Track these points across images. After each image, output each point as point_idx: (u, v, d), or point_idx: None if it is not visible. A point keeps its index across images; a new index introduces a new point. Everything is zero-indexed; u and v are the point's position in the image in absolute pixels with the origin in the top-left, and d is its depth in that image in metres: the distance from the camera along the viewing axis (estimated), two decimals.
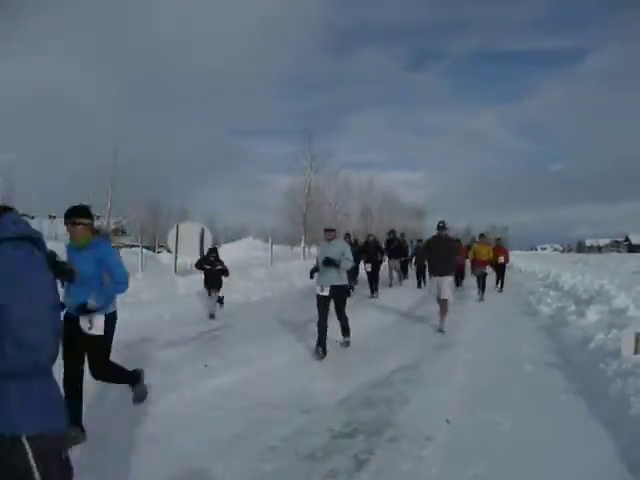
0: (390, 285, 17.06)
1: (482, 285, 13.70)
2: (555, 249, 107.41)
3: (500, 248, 15.78)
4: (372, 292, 14.19)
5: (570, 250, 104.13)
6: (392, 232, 17.93)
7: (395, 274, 17.93)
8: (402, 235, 19.17)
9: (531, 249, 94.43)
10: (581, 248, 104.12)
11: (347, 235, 16.14)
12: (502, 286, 15.70)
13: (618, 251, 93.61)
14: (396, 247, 17.31)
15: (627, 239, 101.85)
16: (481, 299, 13.28)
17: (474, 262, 14.28)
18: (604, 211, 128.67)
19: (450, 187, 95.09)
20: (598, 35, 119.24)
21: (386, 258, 17.25)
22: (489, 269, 14.89)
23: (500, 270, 15.69)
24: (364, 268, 14.51)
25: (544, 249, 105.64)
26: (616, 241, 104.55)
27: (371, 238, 15.80)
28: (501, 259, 15.39)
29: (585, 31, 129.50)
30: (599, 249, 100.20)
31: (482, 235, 15.55)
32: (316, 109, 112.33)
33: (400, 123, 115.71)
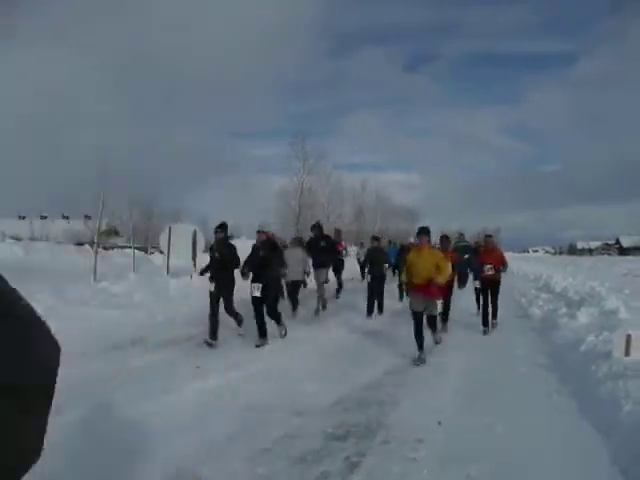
0: (316, 312, 10.59)
1: (433, 328, 7.12)
2: (547, 251, 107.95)
3: (490, 251, 9.46)
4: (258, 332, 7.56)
5: (561, 253, 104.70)
6: (316, 226, 11.80)
7: (321, 292, 11.06)
8: (377, 239, 12.31)
9: (523, 251, 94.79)
10: (572, 251, 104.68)
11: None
12: (494, 317, 9.30)
13: (609, 254, 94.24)
14: (324, 250, 11.13)
15: (618, 242, 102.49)
16: (418, 360, 6.60)
17: (409, 287, 7.18)
18: (595, 214, 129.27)
19: (443, 189, 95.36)
20: (592, 38, 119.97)
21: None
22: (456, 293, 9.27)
23: (491, 289, 9.24)
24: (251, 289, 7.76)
25: (536, 251, 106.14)
26: (607, 244, 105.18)
27: (263, 237, 8.14)
28: (489, 269, 9.14)
29: (579, 34, 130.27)
30: (590, 252, 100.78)
31: (423, 231, 6.99)
32: (310, 111, 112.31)
33: (394, 125, 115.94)
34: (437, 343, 7.26)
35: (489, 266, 9.22)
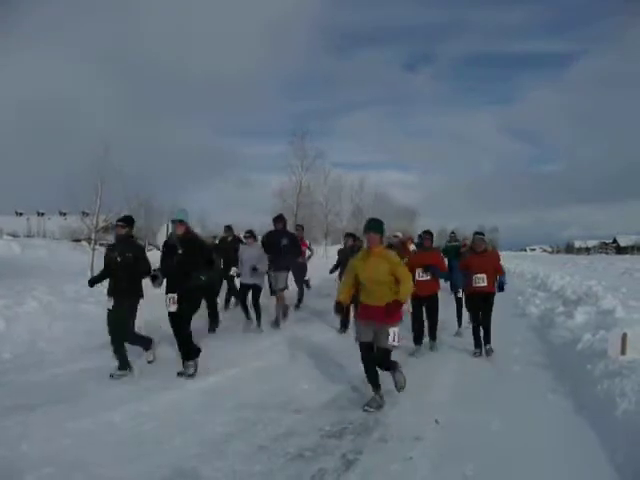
0: (276, 323, 8.88)
1: (384, 365, 4.92)
2: (544, 250, 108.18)
3: (480, 255, 7.07)
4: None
5: (559, 251, 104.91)
6: (279, 219, 9.45)
7: (281, 300, 9.24)
8: (352, 237, 9.34)
9: (520, 250, 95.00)
10: (570, 249, 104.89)
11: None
12: (486, 342, 7.07)
13: (606, 253, 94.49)
14: (284, 250, 9.06)
15: (615, 241, 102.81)
16: (372, 405, 4.74)
17: (360, 308, 5.07)
18: (593, 213, 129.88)
19: (441, 188, 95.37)
20: (590, 39, 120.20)
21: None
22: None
23: (483, 306, 7.06)
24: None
25: (533, 250, 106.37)
26: (604, 243, 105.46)
27: (181, 229, 5.84)
28: (479, 280, 6.95)
29: (577, 35, 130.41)
30: (587, 251, 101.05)
31: (372, 227, 4.86)
32: (309, 109, 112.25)
33: (393, 124, 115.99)
34: (400, 387, 4.98)
35: (480, 276, 6.94)
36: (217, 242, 10.66)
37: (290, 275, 9.85)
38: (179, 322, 5.73)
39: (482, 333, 7.06)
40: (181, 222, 5.76)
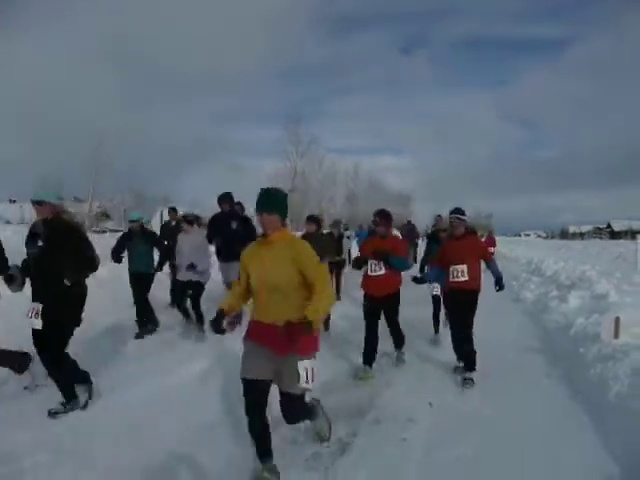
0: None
1: (260, 442, 3.22)
2: (539, 236, 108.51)
3: (460, 240, 5.24)
4: None
5: (553, 237, 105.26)
6: (226, 198, 7.58)
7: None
8: (314, 221, 7.40)
9: (515, 235, 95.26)
10: (564, 235, 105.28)
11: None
12: (462, 356, 5.29)
13: (600, 238, 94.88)
14: (235, 235, 7.35)
15: (609, 226, 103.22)
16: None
17: (250, 327, 3.34)
18: (587, 198, 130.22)
19: (436, 173, 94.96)
20: (586, 24, 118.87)
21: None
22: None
23: (463, 307, 5.20)
24: None
25: (528, 235, 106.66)
26: (599, 228, 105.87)
27: (45, 211, 4.12)
28: (460, 273, 5.15)
29: (573, 19, 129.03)
30: (582, 236, 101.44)
31: (266, 202, 3.08)
32: (303, 94, 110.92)
33: (388, 108, 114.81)
34: (322, 436, 3.65)
35: (458, 268, 5.18)
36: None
37: None
38: (50, 343, 4.01)
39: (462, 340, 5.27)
40: (40, 203, 4.06)
